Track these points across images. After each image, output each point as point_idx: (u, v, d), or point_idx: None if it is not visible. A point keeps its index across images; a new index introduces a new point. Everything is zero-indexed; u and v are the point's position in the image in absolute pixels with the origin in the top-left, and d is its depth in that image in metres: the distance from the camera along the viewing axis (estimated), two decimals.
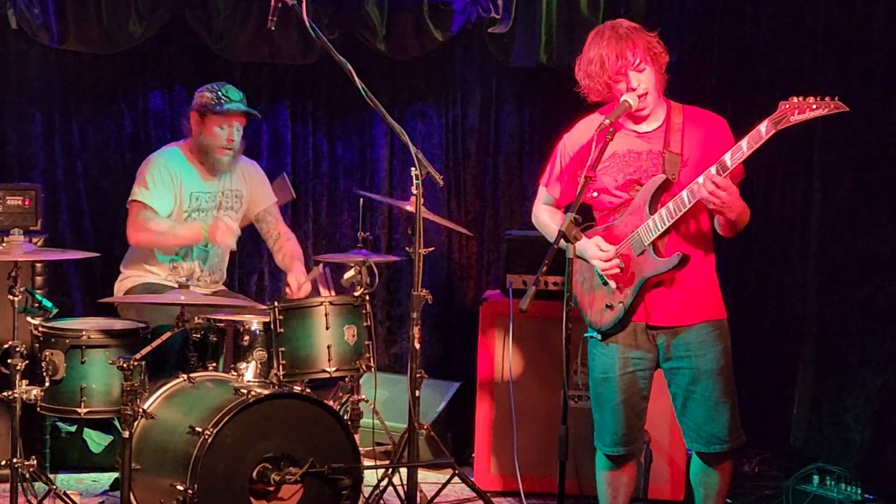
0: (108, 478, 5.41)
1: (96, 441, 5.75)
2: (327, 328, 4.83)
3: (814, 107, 3.81)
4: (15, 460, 4.46)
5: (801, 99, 3.83)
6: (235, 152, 5.41)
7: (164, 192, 5.27)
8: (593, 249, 4.21)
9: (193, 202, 5.35)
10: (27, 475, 4.54)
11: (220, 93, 5.32)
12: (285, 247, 5.62)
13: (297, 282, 5.39)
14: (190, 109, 5.39)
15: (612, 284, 4.20)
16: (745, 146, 3.92)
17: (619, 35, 4.11)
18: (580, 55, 4.23)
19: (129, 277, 5.40)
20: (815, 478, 5.40)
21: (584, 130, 4.32)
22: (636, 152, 4.21)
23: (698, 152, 4.11)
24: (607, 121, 4.02)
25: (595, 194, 4.27)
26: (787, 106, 3.84)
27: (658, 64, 4.15)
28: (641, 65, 4.10)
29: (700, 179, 3.99)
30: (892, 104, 5.45)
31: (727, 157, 3.94)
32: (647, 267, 4.15)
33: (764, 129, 3.87)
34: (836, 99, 3.81)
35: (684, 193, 4.03)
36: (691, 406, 4.25)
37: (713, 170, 3.95)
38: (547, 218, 4.44)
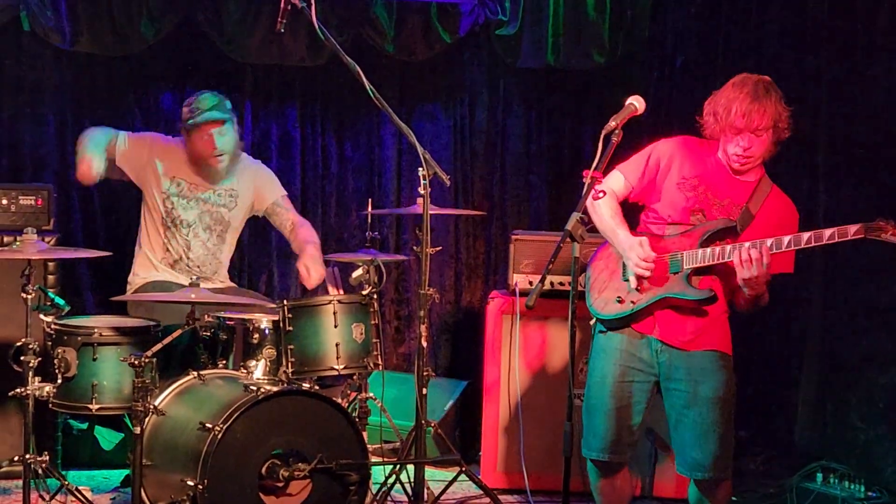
0: (119, 474, 5.46)
1: (107, 438, 5.80)
2: (336, 326, 4.88)
3: None
4: (28, 456, 4.51)
5: None
6: (230, 156, 5.46)
7: (135, 146, 5.48)
8: (637, 247, 4.25)
9: (174, 187, 5.46)
10: (39, 471, 4.58)
11: (193, 105, 5.39)
12: (298, 233, 5.66)
13: (306, 266, 5.40)
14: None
15: (633, 283, 4.24)
16: (827, 236, 3.99)
17: (756, 94, 4.14)
18: (716, 91, 4.28)
19: (138, 275, 5.49)
20: (819, 476, 5.44)
21: (692, 149, 4.36)
22: (719, 190, 4.28)
23: (767, 224, 4.20)
24: (613, 122, 4.05)
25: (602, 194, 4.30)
26: (885, 224, 3.90)
27: (777, 136, 4.22)
28: (762, 131, 4.17)
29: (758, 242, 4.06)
30: (893, 105, 5.48)
31: (804, 236, 4.04)
32: (676, 287, 4.21)
33: (853, 231, 3.95)
34: None
35: (744, 246, 4.08)
36: (681, 429, 4.29)
37: (770, 242, 4.04)
38: (607, 210, 4.40)
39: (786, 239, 4.04)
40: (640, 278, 4.24)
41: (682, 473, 4.35)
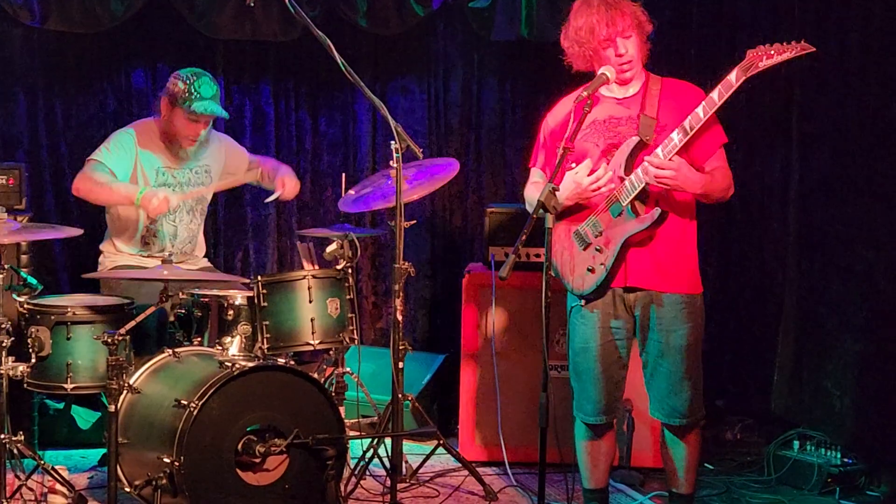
0: (96, 453, 5.44)
1: (84, 418, 5.78)
2: (310, 301, 4.88)
3: (781, 51, 3.90)
4: (2, 436, 4.48)
5: (768, 45, 3.93)
6: (201, 143, 5.39)
7: (122, 156, 5.27)
8: (577, 177, 4.24)
9: (160, 177, 5.36)
10: (15, 451, 4.56)
11: (193, 87, 5.21)
12: (271, 168, 5.69)
13: (282, 180, 5.52)
14: (162, 91, 5.34)
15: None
16: (717, 96, 4.01)
17: (607, 3, 4.20)
18: (566, 23, 4.32)
19: (109, 257, 5.44)
20: (796, 443, 5.48)
21: (564, 106, 4.39)
22: (616, 118, 4.29)
23: (675, 117, 4.16)
24: (585, 93, 4.08)
25: (574, 165, 4.31)
26: (755, 53, 3.94)
27: (643, 33, 4.26)
28: (628, 32, 4.20)
29: (659, 150, 4.08)
30: (869, 72, 5.48)
31: (699, 109, 4.04)
32: (627, 227, 4.21)
33: (734, 78, 3.97)
34: (803, 41, 3.90)
35: (644, 166, 4.11)
36: (657, 378, 4.35)
37: (662, 146, 4.05)
38: (536, 194, 4.45)
39: (686, 123, 4.04)
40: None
41: (656, 418, 4.43)
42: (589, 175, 4.23)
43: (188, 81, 5.23)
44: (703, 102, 4.04)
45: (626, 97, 4.31)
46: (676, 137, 4.07)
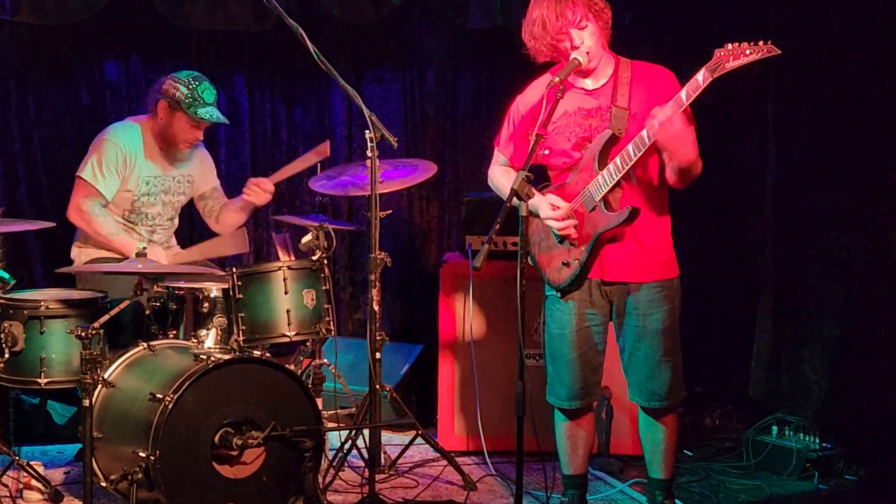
0: (73, 448, 5.41)
1: (60, 413, 5.75)
2: (286, 293, 4.85)
3: (748, 52, 3.86)
4: None
5: (735, 45, 3.88)
6: (194, 146, 5.44)
7: (113, 177, 5.25)
8: (546, 209, 4.26)
9: (144, 187, 5.34)
10: None
11: (196, 91, 5.21)
12: (221, 208, 5.68)
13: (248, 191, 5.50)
14: (160, 93, 5.26)
15: (567, 239, 4.24)
16: (685, 96, 3.96)
17: None
18: (524, 19, 4.26)
19: (83, 250, 5.40)
20: (774, 428, 5.49)
21: (536, 90, 4.36)
22: (586, 110, 4.24)
23: (646, 106, 4.13)
24: (556, 79, 4.05)
25: (546, 152, 4.30)
26: (723, 53, 3.89)
27: (601, 19, 4.19)
28: (583, 22, 4.13)
29: (645, 131, 4.02)
30: (845, 56, 5.49)
31: (667, 108, 3.97)
32: (600, 222, 4.18)
33: (701, 78, 3.92)
34: (770, 43, 3.85)
35: (630, 146, 4.07)
36: (635, 362, 4.34)
37: (672, 102, 3.98)
38: (502, 179, 4.47)
39: (682, 93, 3.96)
40: (568, 235, 4.23)
41: (635, 402, 4.42)
42: (553, 211, 4.22)
43: (191, 86, 5.23)
44: (672, 101, 3.98)
45: (595, 88, 4.26)
46: (646, 135, 4.03)
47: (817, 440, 5.36)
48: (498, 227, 3.85)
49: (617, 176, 4.11)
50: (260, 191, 5.49)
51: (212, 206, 5.67)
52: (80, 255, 5.40)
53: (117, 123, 5.45)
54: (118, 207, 5.37)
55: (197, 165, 5.57)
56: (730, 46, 3.88)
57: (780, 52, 3.85)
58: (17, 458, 4.66)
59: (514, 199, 3.89)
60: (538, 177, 4.17)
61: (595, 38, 4.16)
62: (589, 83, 4.26)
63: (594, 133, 4.21)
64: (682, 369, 4.38)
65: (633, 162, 4.07)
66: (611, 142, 4.17)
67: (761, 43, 3.86)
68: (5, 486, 4.68)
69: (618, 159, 4.10)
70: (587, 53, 4.14)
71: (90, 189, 5.22)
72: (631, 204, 4.16)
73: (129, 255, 5.08)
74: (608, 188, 4.14)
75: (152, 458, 4.18)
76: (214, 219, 5.68)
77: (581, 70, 4.19)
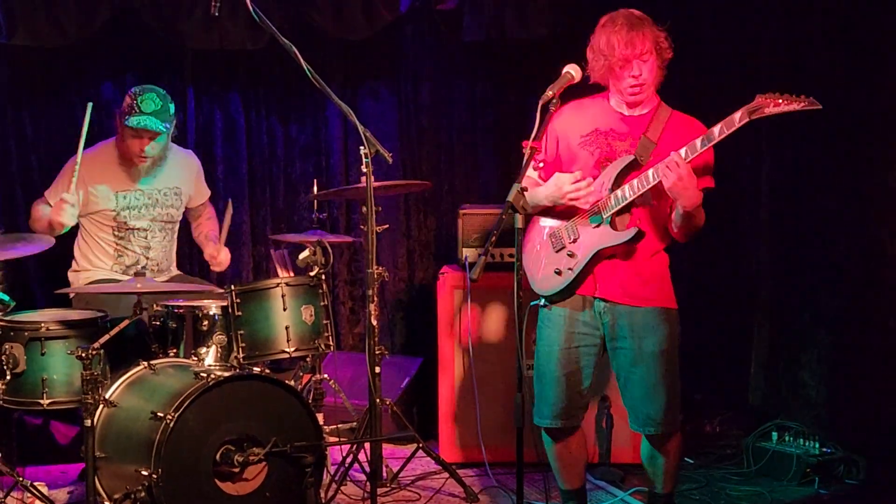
0: (76, 469, 5.42)
1: (63, 433, 5.76)
2: (285, 309, 4.87)
3: (789, 102, 3.95)
4: None
5: (777, 94, 3.96)
6: (154, 160, 5.39)
7: (72, 193, 5.26)
8: (562, 181, 4.23)
9: (122, 201, 5.37)
10: None
11: (136, 101, 5.24)
12: (203, 225, 5.74)
13: (209, 252, 5.57)
14: (119, 108, 5.36)
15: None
16: (717, 132, 4.04)
17: (631, 24, 4.20)
18: (592, 35, 4.30)
19: (81, 272, 5.45)
20: (774, 434, 5.52)
21: (575, 110, 4.38)
22: (617, 132, 4.30)
23: (674, 145, 4.17)
24: (550, 92, 4.08)
25: (541, 165, 4.33)
26: (764, 99, 3.98)
27: (661, 59, 4.26)
28: (647, 55, 4.21)
29: (651, 170, 4.10)
30: (837, 66, 5.52)
31: (697, 141, 4.07)
32: (603, 238, 4.23)
33: (738, 118, 4.01)
34: (811, 98, 3.94)
35: (650, 171, 4.13)
36: (630, 386, 4.33)
37: (687, 147, 4.08)
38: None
39: (683, 150, 4.08)
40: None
41: (634, 430, 4.41)
42: (573, 183, 4.23)
43: (133, 96, 5.26)
44: (704, 136, 4.06)
45: (632, 115, 4.32)
46: (683, 152, 4.08)
47: (817, 445, 5.38)
48: (494, 239, 3.88)
49: (630, 197, 4.18)
50: (219, 261, 5.54)
51: (198, 220, 5.76)
52: (80, 277, 5.43)
53: (92, 147, 5.46)
54: (105, 225, 5.42)
55: (183, 175, 5.58)
56: (772, 94, 3.97)
57: (820, 106, 3.94)
58: (21, 478, 4.67)
59: (510, 210, 3.91)
60: None
61: (652, 74, 4.25)
62: (627, 110, 4.32)
63: (616, 155, 4.28)
64: (681, 377, 4.37)
65: (648, 187, 4.14)
66: (631, 166, 4.23)
67: (803, 96, 3.95)
68: None
69: (635, 182, 4.16)
70: (638, 86, 4.22)
71: (44, 200, 5.33)
72: (634, 224, 4.22)
73: (54, 220, 5.11)
74: (618, 208, 4.20)
75: (155, 476, 4.20)
76: (193, 223, 5.77)
77: (626, 99, 4.27)
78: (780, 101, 3.95)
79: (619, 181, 4.22)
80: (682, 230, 4.24)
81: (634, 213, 4.25)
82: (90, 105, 4.80)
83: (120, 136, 5.35)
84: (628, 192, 4.18)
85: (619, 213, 4.23)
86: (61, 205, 5.12)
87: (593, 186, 4.24)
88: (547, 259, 4.35)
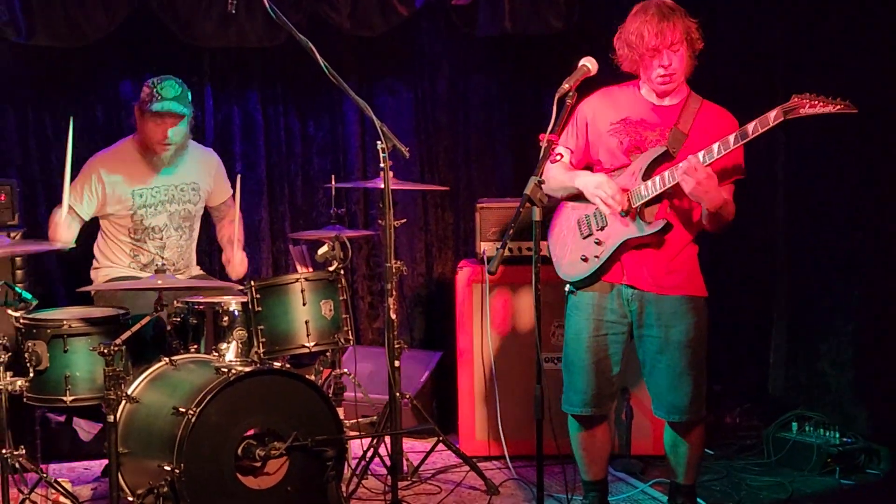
0: (99, 465, 5.46)
1: (86, 430, 5.80)
2: (304, 304, 4.90)
3: (826, 104, 3.96)
4: (4, 451, 4.50)
5: (814, 95, 3.97)
6: (177, 147, 5.43)
7: (91, 198, 5.37)
8: (604, 185, 4.26)
9: (138, 199, 5.42)
10: (17, 465, 4.57)
11: (156, 89, 5.30)
12: (226, 228, 5.74)
13: (225, 256, 5.59)
14: (136, 101, 5.41)
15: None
16: (751, 130, 4.06)
17: (662, 13, 4.21)
18: (622, 24, 4.34)
19: (101, 269, 5.49)
20: (795, 425, 5.52)
21: (606, 98, 4.42)
22: (648, 122, 4.33)
23: (704, 140, 4.20)
24: (566, 85, 4.08)
25: (560, 156, 4.34)
26: (801, 99, 3.99)
27: (692, 49, 4.27)
28: (677, 45, 4.22)
29: (667, 172, 4.12)
30: (849, 56, 5.50)
31: (731, 137, 4.09)
32: (632, 228, 4.25)
33: (773, 116, 4.02)
34: (848, 102, 3.95)
35: (666, 173, 4.17)
36: (656, 374, 4.36)
37: (705, 151, 4.10)
38: (559, 171, 4.44)
39: (715, 146, 4.10)
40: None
41: (658, 416, 4.44)
42: (612, 196, 4.23)
43: (153, 85, 5.32)
44: (737, 132, 4.09)
45: (663, 105, 4.34)
46: (701, 156, 4.11)
47: (838, 435, 5.37)
48: (511, 232, 3.90)
49: (660, 189, 4.20)
50: (234, 265, 5.53)
51: (220, 215, 5.78)
52: (99, 274, 5.48)
53: (110, 146, 5.55)
54: (122, 227, 5.46)
55: (201, 171, 5.62)
56: (808, 95, 3.98)
57: (856, 110, 3.95)
58: (46, 475, 4.71)
59: (527, 203, 3.92)
60: None
61: (682, 64, 4.26)
62: (657, 100, 4.35)
63: (647, 145, 4.29)
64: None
65: (665, 188, 4.17)
66: (663, 157, 4.25)
67: (839, 98, 3.95)
68: (34, 503, 4.73)
69: (666, 174, 4.18)
70: (669, 75, 4.24)
71: (58, 208, 5.28)
72: (663, 215, 4.24)
73: (61, 240, 5.13)
74: (647, 198, 4.22)
75: (177, 471, 4.23)
76: (218, 224, 5.80)
77: (656, 88, 4.29)
78: (817, 102, 3.96)
79: (649, 172, 4.24)
80: (711, 224, 4.28)
81: (664, 204, 4.27)
82: (71, 119, 4.84)
83: (140, 128, 5.39)
84: (658, 184, 4.19)
85: (648, 204, 4.25)
86: (55, 227, 5.18)
87: (624, 173, 4.26)
88: (574, 245, 4.38)
